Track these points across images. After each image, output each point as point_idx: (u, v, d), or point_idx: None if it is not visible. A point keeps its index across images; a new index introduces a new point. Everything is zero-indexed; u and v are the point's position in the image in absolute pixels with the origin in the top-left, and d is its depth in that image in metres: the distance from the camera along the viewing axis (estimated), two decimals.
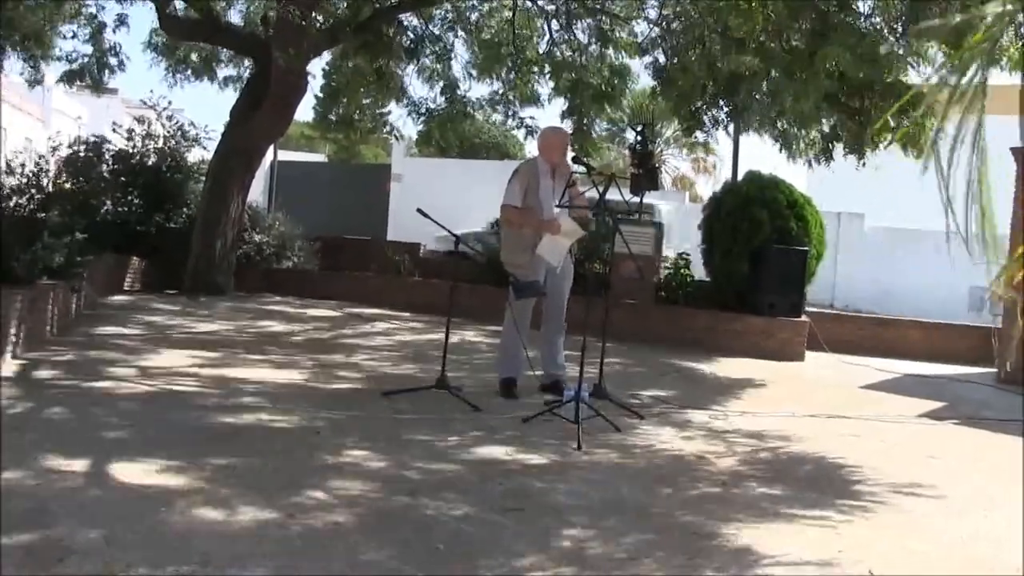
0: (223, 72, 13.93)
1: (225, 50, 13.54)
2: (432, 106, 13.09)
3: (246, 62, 13.63)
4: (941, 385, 8.80)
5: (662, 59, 10.81)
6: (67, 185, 11.30)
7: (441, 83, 12.96)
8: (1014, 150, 9.08)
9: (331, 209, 20.36)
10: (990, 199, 1.91)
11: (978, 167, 1.89)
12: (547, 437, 5.39)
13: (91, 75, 12.65)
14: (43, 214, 8.42)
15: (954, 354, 10.46)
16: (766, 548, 3.74)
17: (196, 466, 4.27)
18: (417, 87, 14.13)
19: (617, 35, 11.72)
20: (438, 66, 12.94)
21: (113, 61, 12.76)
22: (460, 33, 12.93)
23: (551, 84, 12.55)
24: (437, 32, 12.94)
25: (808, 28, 8.39)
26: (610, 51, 12.00)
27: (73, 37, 12.59)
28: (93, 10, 12.40)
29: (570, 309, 6.75)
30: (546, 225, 6.38)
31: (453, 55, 13.03)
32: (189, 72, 13.33)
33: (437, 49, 12.90)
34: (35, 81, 13.23)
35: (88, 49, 12.60)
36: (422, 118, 13.21)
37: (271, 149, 15.26)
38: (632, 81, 12.58)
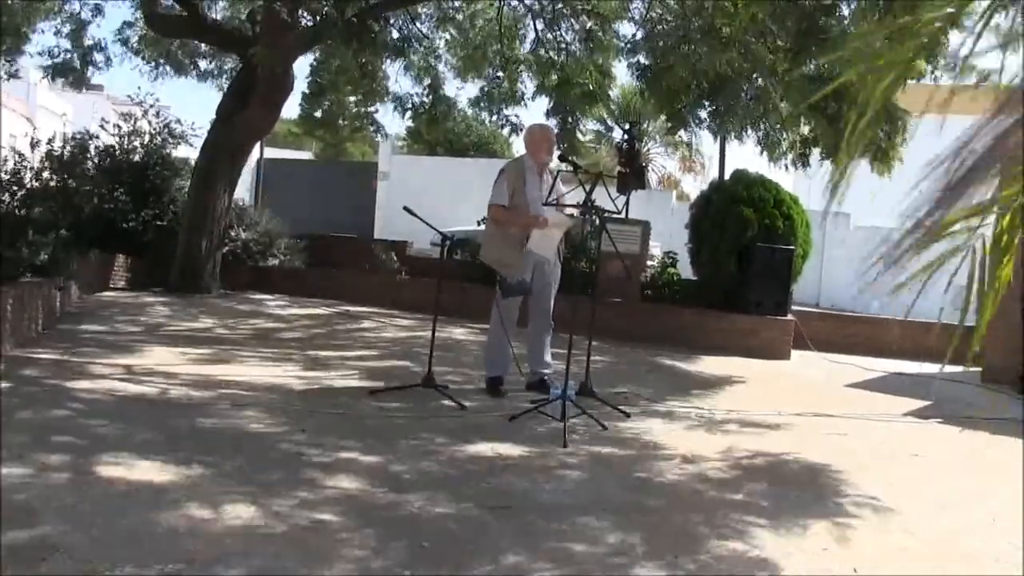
0: (205, 65, 13.86)
1: (207, 47, 13.49)
2: (422, 101, 13.09)
3: (229, 61, 13.58)
4: (925, 383, 8.85)
5: (647, 60, 10.81)
6: (52, 182, 11.23)
7: (428, 80, 12.96)
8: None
9: (318, 207, 20.35)
10: None
11: None
12: (533, 435, 5.40)
13: (73, 71, 12.58)
14: (26, 211, 8.36)
15: (938, 353, 10.51)
16: (750, 547, 3.76)
17: (180, 464, 4.25)
18: (404, 84, 14.18)
19: (602, 36, 11.72)
20: (425, 63, 12.93)
21: (98, 57, 12.71)
22: (446, 30, 12.92)
23: (535, 83, 12.57)
24: (424, 30, 12.93)
25: (793, 28, 8.42)
26: (595, 52, 12.00)
27: (56, 33, 12.53)
28: (76, 6, 12.37)
29: (557, 308, 6.75)
30: (533, 221, 6.38)
31: (438, 53, 13.03)
32: (169, 68, 13.27)
33: (424, 47, 12.90)
34: (14, 75, 13.17)
35: (69, 45, 12.55)
36: (409, 114, 13.21)
37: (257, 146, 15.21)
38: (614, 82, 12.63)
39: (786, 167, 10.76)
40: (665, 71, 9.97)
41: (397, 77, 13.28)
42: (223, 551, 3.26)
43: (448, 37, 12.99)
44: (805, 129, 10.03)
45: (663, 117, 12.17)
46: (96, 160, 12.20)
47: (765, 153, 10.46)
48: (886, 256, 2.20)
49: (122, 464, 4.18)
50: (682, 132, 11.28)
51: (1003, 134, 2.10)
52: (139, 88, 13.12)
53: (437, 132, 14.33)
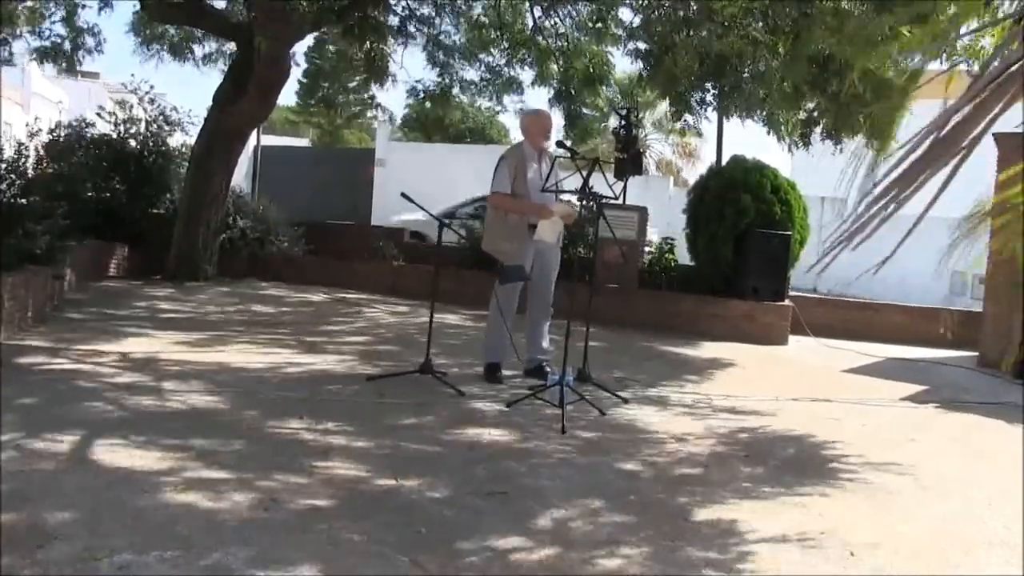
0: (203, 50, 13.79)
1: (205, 34, 13.42)
2: (427, 85, 13.07)
3: (224, 46, 13.52)
4: (923, 369, 8.88)
5: (647, 45, 10.77)
6: (48, 170, 11.18)
7: (437, 58, 12.92)
8: (995, 135, 9.13)
9: (315, 194, 20.33)
10: None
11: None
12: (531, 421, 5.41)
13: (64, 55, 12.51)
14: (24, 200, 8.32)
15: (935, 338, 10.54)
16: (748, 530, 3.77)
17: (178, 449, 4.26)
18: (410, 68, 14.17)
19: (600, 22, 11.67)
20: (433, 45, 12.90)
21: (90, 42, 12.63)
22: (447, 15, 12.88)
23: (535, 71, 12.54)
24: (425, 13, 12.87)
25: (793, 11, 8.39)
26: (592, 40, 11.97)
27: (50, 16, 12.44)
28: None
29: (555, 295, 6.74)
30: (539, 210, 6.38)
31: (441, 36, 12.99)
32: (165, 50, 13.20)
33: (426, 31, 12.86)
34: (8, 62, 13.11)
35: (63, 30, 12.47)
36: (417, 97, 13.19)
37: (254, 133, 15.17)
38: (612, 69, 12.63)
39: (789, 148, 10.75)
40: (665, 54, 9.95)
41: (402, 62, 13.26)
42: (221, 537, 3.27)
43: (449, 20, 12.95)
44: (809, 106, 10.01)
45: (664, 102, 12.09)
46: (92, 148, 12.14)
47: (771, 133, 10.44)
48: (862, 214, 2.23)
49: (118, 450, 4.19)
50: (686, 116, 11.22)
51: (966, 118, 2.14)
52: (132, 75, 12.92)
53: (447, 109, 14.25)
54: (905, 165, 2.21)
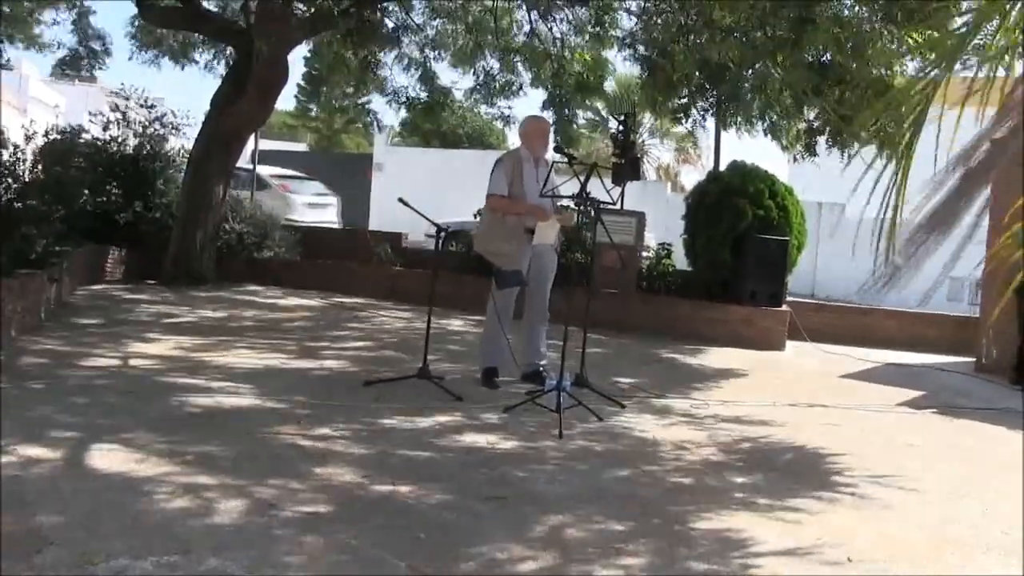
0: (203, 56, 13.78)
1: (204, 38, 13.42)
2: (413, 95, 13.05)
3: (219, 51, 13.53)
4: (920, 374, 8.88)
5: (645, 51, 10.78)
6: (42, 176, 11.15)
7: (421, 71, 12.92)
8: (993, 141, 9.14)
9: None
10: None
11: None
12: (529, 426, 5.40)
13: (80, 62, 12.55)
14: (20, 204, 8.30)
15: (933, 343, 10.54)
16: (746, 536, 3.77)
17: (177, 454, 4.25)
18: (400, 78, 14.13)
19: (598, 28, 11.68)
20: (421, 54, 12.90)
21: (96, 47, 12.65)
22: (440, 19, 12.89)
23: (530, 75, 12.54)
24: (418, 21, 12.88)
25: (793, 16, 8.40)
26: (590, 43, 11.99)
27: (55, 23, 12.49)
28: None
29: (553, 299, 6.74)
30: (536, 211, 6.38)
31: (433, 44, 12.98)
32: (167, 60, 13.23)
33: (419, 39, 12.86)
34: (5, 66, 13.16)
35: (71, 39, 12.53)
36: (403, 108, 13.19)
37: (252, 138, 15.15)
38: (609, 73, 12.64)
39: (794, 158, 10.77)
40: (663, 61, 9.95)
41: (393, 69, 13.24)
42: (219, 542, 3.26)
43: (441, 27, 12.94)
44: (811, 115, 10.02)
45: (666, 107, 12.07)
46: (88, 152, 12.10)
47: (775, 141, 10.44)
48: (903, 251, 2.23)
49: (116, 454, 4.18)
50: (685, 124, 11.22)
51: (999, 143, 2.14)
52: (122, 84, 12.83)
53: (433, 122, 14.25)
54: (936, 200, 2.21)
